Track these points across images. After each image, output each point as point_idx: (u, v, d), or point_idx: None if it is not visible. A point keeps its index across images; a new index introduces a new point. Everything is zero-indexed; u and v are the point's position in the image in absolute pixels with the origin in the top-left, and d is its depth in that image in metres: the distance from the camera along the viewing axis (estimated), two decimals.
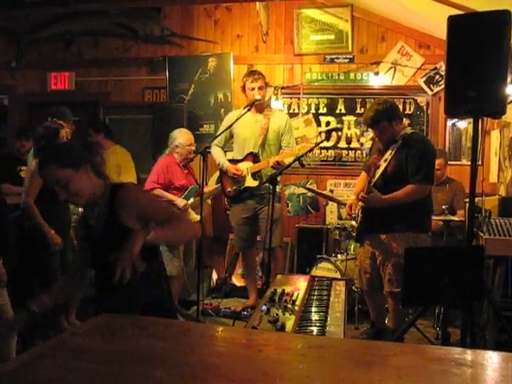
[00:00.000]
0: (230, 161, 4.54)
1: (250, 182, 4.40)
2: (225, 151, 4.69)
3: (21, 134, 4.90)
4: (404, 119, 5.15)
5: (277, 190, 4.35)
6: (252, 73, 4.51)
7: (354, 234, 3.97)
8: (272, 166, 4.19)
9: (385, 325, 3.89)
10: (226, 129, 4.37)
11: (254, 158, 4.42)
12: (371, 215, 3.60)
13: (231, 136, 4.57)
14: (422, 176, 3.47)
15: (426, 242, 3.69)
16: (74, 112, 4.64)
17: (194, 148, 4.41)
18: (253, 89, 4.37)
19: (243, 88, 4.47)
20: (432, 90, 5.20)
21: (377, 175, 3.58)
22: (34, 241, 3.71)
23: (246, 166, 4.42)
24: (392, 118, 3.57)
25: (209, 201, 4.90)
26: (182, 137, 4.42)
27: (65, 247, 3.84)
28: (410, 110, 5.26)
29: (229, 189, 4.52)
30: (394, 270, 3.54)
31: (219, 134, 4.39)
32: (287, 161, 4.12)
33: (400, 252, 3.45)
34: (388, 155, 3.57)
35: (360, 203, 3.68)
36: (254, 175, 4.39)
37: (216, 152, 4.57)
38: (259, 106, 4.45)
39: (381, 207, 3.53)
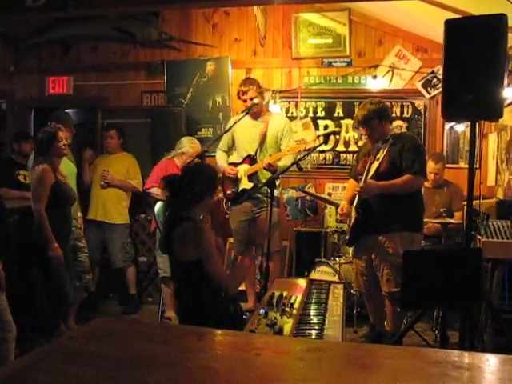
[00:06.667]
0: (230, 164, 4.60)
1: (246, 184, 4.46)
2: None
3: (18, 137, 4.90)
4: (402, 122, 5.24)
5: (275, 193, 4.38)
6: (244, 82, 4.47)
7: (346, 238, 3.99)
8: (265, 168, 4.23)
9: (385, 328, 3.88)
10: (224, 133, 4.44)
11: (250, 160, 4.48)
12: (367, 217, 3.61)
13: (234, 140, 4.63)
14: (417, 168, 3.54)
15: (420, 241, 3.77)
16: (72, 116, 4.66)
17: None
18: (245, 100, 4.41)
19: (238, 95, 4.50)
20: (429, 94, 5.21)
21: (370, 173, 3.60)
22: (34, 245, 3.70)
23: (243, 169, 4.48)
24: (382, 118, 3.68)
25: None
26: (191, 147, 4.55)
27: (66, 252, 3.81)
28: (407, 113, 5.27)
29: (228, 191, 4.58)
30: (392, 270, 3.55)
31: (215, 140, 4.41)
32: (281, 163, 4.17)
33: (398, 251, 3.47)
34: (380, 154, 3.60)
35: (353, 211, 3.70)
36: (251, 177, 4.44)
37: (218, 155, 4.68)
38: (256, 112, 4.47)
39: (378, 208, 3.56)
